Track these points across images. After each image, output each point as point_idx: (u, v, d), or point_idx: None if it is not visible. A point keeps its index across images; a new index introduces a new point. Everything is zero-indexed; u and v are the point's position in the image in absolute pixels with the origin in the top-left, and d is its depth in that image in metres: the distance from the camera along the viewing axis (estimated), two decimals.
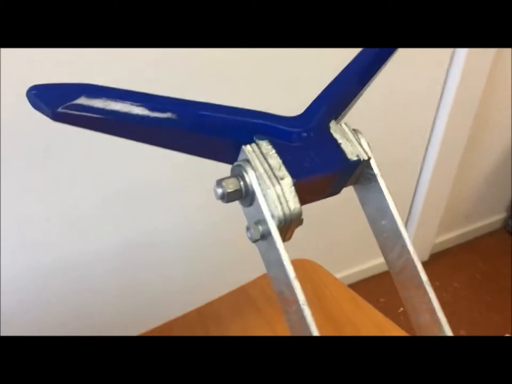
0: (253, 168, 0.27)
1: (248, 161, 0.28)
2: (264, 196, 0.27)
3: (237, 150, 0.29)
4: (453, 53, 1.00)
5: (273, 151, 0.28)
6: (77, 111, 0.26)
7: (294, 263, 0.26)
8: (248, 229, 0.28)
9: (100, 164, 0.76)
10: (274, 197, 0.27)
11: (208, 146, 0.30)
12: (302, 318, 0.26)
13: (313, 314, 0.26)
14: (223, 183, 0.27)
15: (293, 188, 0.27)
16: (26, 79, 0.60)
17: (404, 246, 0.29)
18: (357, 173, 0.30)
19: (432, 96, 1.06)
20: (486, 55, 1.03)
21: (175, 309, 0.53)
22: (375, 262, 1.33)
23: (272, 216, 0.27)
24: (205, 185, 0.68)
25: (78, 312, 0.89)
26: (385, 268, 1.19)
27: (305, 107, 0.31)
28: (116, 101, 0.26)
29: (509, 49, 1.07)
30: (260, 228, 0.27)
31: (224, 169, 0.30)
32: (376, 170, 0.30)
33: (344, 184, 0.31)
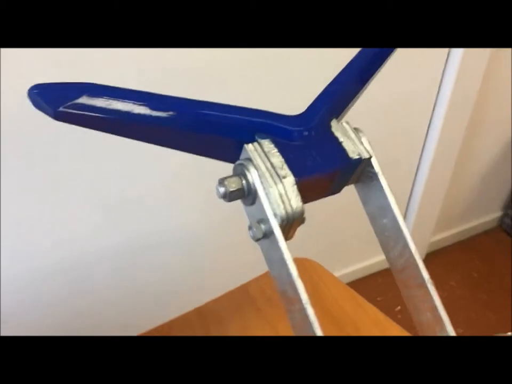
0: (255, 166, 0.27)
1: (250, 160, 0.28)
2: (267, 194, 0.27)
3: (239, 149, 0.29)
4: (449, 53, 1.01)
5: (275, 149, 0.28)
6: (79, 110, 0.26)
7: (294, 261, 0.26)
8: (250, 228, 0.28)
9: (100, 164, 0.76)
10: (277, 195, 0.27)
11: (209, 145, 0.30)
12: (305, 317, 0.26)
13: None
14: (225, 182, 0.27)
15: (295, 186, 0.27)
16: (26, 79, 0.61)
17: (405, 244, 0.29)
18: (358, 171, 0.30)
19: (428, 97, 1.07)
20: (482, 56, 1.03)
21: (175, 309, 0.53)
22: (371, 260, 1.33)
23: (275, 215, 0.27)
24: (205, 185, 0.69)
25: (77, 313, 0.89)
26: (382, 267, 1.20)
27: (306, 106, 0.31)
28: (117, 100, 0.26)
29: (504, 50, 1.08)
30: (262, 226, 0.27)
31: (224, 168, 0.30)
32: (377, 168, 0.30)
33: (346, 183, 0.31)
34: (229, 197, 0.27)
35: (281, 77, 0.83)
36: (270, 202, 0.27)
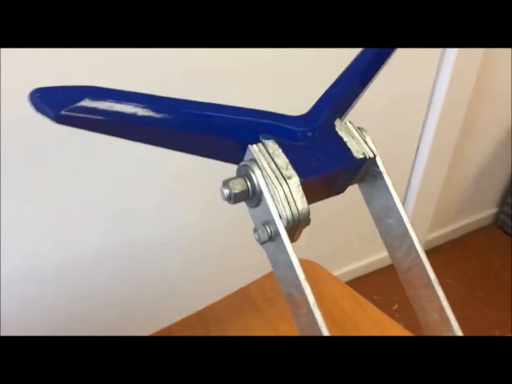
0: (259, 167, 0.27)
1: (254, 161, 0.27)
2: (272, 196, 0.27)
3: (243, 150, 0.28)
4: (443, 54, 1.01)
5: (280, 150, 0.28)
6: (81, 113, 0.25)
7: None
8: (255, 230, 0.27)
9: (100, 164, 0.75)
10: (282, 196, 0.27)
11: (213, 147, 0.29)
12: (313, 320, 0.26)
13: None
14: (230, 184, 0.27)
15: (300, 187, 0.27)
16: (26, 79, 0.60)
17: (412, 244, 0.29)
18: (362, 171, 0.30)
19: (423, 96, 1.07)
20: (475, 56, 1.04)
21: (176, 313, 0.53)
22: (369, 259, 1.34)
23: (280, 216, 0.27)
24: (206, 186, 0.69)
25: (77, 314, 0.88)
26: (379, 266, 1.21)
27: (308, 106, 0.31)
28: (120, 102, 0.26)
29: (497, 50, 1.08)
30: (268, 229, 0.27)
31: (225, 169, 0.30)
32: (382, 168, 0.30)
33: (350, 183, 0.31)
34: (234, 199, 0.27)
35: (282, 77, 0.83)
36: (275, 204, 0.27)
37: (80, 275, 0.85)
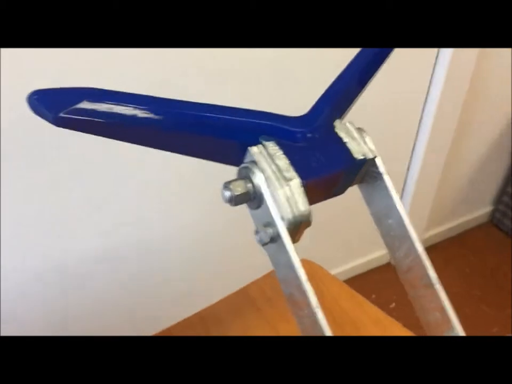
0: (260, 169, 0.27)
1: (255, 162, 0.27)
2: (273, 197, 0.27)
3: (243, 152, 0.28)
4: (437, 54, 1.01)
5: (281, 152, 0.28)
6: (80, 115, 0.25)
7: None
8: (257, 232, 0.27)
9: (100, 165, 0.75)
10: (284, 198, 0.27)
11: (212, 149, 0.29)
12: (315, 321, 0.26)
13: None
14: (231, 186, 0.27)
15: (301, 188, 0.27)
16: (26, 79, 0.60)
17: (412, 244, 0.29)
18: (362, 171, 0.30)
19: (418, 95, 1.08)
20: (470, 56, 1.04)
21: (175, 313, 0.52)
22: (366, 258, 1.34)
23: (282, 218, 0.27)
24: (206, 187, 0.68)
25: (77, 316, 0.88)
26: (375, 264, 1.21)
27: (306, 106, 0.31)
28: (119, 104, 0.26)
29: (492, 50, 1.09)
30: (269, 230, 0.27)
31: (225, 170, 0.30)
32: (382, 168, 0.30)
33: (350, 183, 0.31)
34: (235, 201, 0.27)
35: (282, 77, 0.84)
36: (276, 206, 0.27)
37: (80, 275, 0.84)
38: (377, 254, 1.35)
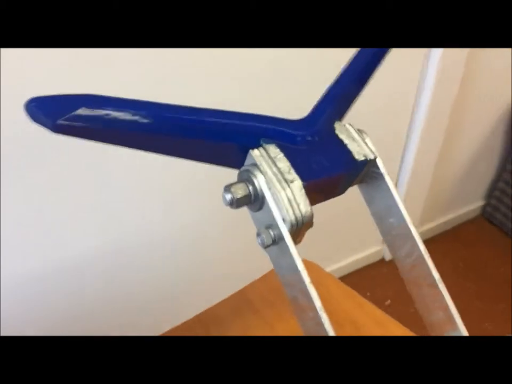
0: (261, 172, 0.27)
1: (256, 165, 0.27)
2: (275, 200, 0.27)
3: (243, 155, 0.28)
4: (428, 52, 1.02)
5: (281, 154, 0.28)
6: (78, 122, 0.25)
7: None
8: (258, 234, 0.27)
9: (100, 165, 0.75)
10: (285, 200, 0.26)
11: (213, 152, 0.29)
12: (319, 324, 0.26)
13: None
14: (232, 189, 0.27)
15: (303, 190, 0.27)
16: (26, 80, 0.60)
17: (414, 243, 0.29)
18: (362, 172, 0.30)
19: (410, 93, 1.08)
20: (460, 54, 1.05)
21: (175, 313, 0.52)
22: (360, 255, 1.34)
23: (284, 220, 0.26)
24: (206, 189, 0.68)
25: (77, 316, 0.88)
26: (368, 262, 1.21)
27: (307, 106, 0.31)
28: (118, 110, 0.26)
29: (482, 49, 1.10)
30: (271, 232, 0.27)
31: (224, 172, 0.30)
32: (382, 169, 0.30)
33: (350, 184, 0.31)
34: (236, 204, 0.27)
35: (282, 78, 0.84)
36: (278, 208, 0.26)
37: (80, 275, 0.84)
38: (370, 251, 1.36)
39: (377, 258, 1.38)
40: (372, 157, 0.29)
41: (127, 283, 0.91)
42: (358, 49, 0.33)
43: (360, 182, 0.32)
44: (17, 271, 0.77)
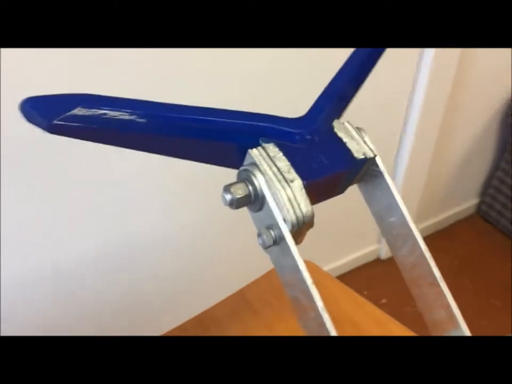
0: (261, 172, 0.27)
1: (255, 165, 0.27)
2: (275, 200, 0.26)
3: (242, 154, 0.28)
4: (422, 51, 1.02)
5: (281, 153, 0.27)
6: (74, 122, 0.24)
7: None
8: (259, 235, 0.27)
9: (100, 165, 0.75)
10: (286, 200, 0.26)
11: (211, 152, 0.29)
12: (322, 324, 0.25)
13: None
14: (231, 189, 0.27)
15: (303, 190, 0.27)
16: (27, 78, 0.60)
17: (415, 242, 0.29)
18: (362, 171, 0.30)
19: (403, 93, 1.08)
20: (453, 52, 1.05)
21: (175, 315, 0.52)
22: (355, 254, 1.34)
23: (285, 220, 0.26)
24: (206, 189, 0.68)
25: (77, 317, 0.88)
26: (364, 261, 1.21)
27: (306, 106, 0.31)
28: (114, 110, 0.25)
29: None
30: (272, 233, 0.27)
31: (221, 171, 0.29)
32: (382, 167, 0.29)
33: (350, 183, 0.31)
34: (236, 204, 0.27)
35: (282, 78, 0.84)
36: (279, 208, 0.26)
37: (80, 275, 0.84)
38: (366, 250, 1.36)
39: (372, 257, 1.38)
40: (371, 155, 0.29)
41: (126, 283, 0.91)
42: (354, 49, 0.33)
43: (359, 181, 0.31)
44: (17, 272, 0.77)
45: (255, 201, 0.27)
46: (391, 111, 1.10)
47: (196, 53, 0.71)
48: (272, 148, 0.27)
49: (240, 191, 0.27)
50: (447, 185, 1.42)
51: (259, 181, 0.26)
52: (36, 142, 0.65)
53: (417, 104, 1.09)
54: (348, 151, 0.29)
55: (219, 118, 0.27)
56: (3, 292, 0.76)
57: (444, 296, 0.28)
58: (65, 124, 0.24)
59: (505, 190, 1.39)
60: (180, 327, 0.49)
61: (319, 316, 0.25)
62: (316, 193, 0.28)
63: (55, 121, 0.24)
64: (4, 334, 0.75)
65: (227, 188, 0.27)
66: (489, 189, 1.45)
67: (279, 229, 0.26)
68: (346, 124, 0.30)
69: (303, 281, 0.26)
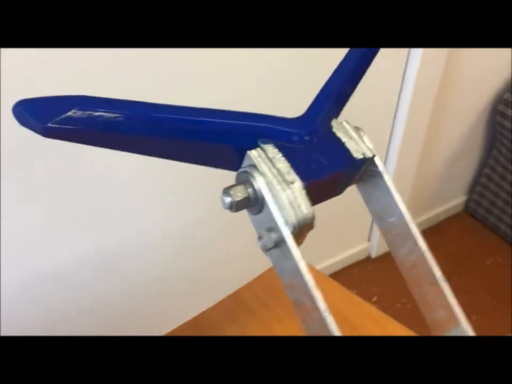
0: (261, 173, 0.26)
1: (255, 166, 0.26)
2: (276, 202, 0.26)
3: (240, 156, 0.27)
4: (409, 51, 1.03)
5: (280, 154, 0.27)
6: (70, 125, 0.24)
7: None
8: (260, 238, 0.27)
9: (100, 166, 0.75)
10: (286, 202, 0.26)
11: (209, 154, 0.28)
12: (325, 326, 0.25)
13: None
14: (231, 192, 0.26)
15: (304, 191, 0.26)
16: (27, 78, 0.60)
17: (415, 242, 0.29)
18: (361, 171, 0.30)
19: (392, 92, 1.09)
20: (440, 53, 1.06)
21: (175, 314, 0.52)
22: (346, 253, 1.35)
23: (286, 222, 0.26)
24: (206, 189, 0.68)
25: (77, 317, 0.87)
26: (353, 260, 1.22)
27: (301, 107, 0.30)
28: (110, 112, 0.25)
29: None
30: (273, 235, 0.26)
31: (222, 171, 0.29)
32: (381, 167, 0.29)
33: (349, 183, 0.30)
34: (236, 207, 0.26)
35: (282, 78, 0.84)
36: (279, 210, 0.26)
37: (79, 275, 0.84)
38: (356, 249, 1.36)
39: (363, 256, 1.39)
40: (370, 155, 0.29)
41: (126, 283, 0.91)
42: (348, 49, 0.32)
43: (358, 181, 0.31)
44: (17, 271, 0.77)
45: (254, 203, 0.27)
46: (379, 112, 1.11)
47: (196, 53, 0.71)
48: (271, 149, 0.27)
49: (239, 194, 0.26)
50: (435, 184, 1.43)
51: (259, 183, 0.26)
52: (36, 142, 0.64)
53: (405, 105, 1.10)
54: (346, 151, 0.28)
55: (216, 119, 0.27)
56: (3, 292, 0.76)
57: (445, 295, 0.28)
58: (60, 127, 0.24)
59: (492, 187, 1.41)
60: (177, 329, 0.48)
61: (322, 318, 0.25)
62: (315, 194, 0.28)
63: (49, 124, 0.24)
64: (3, 334, 0.74)
65: (226, 191, 0.26)
66: (476, 186, 1.47)
67: (280, 231, 0.26)
68: (344, 123, 0.30)
69: (305, 284, 0.25)
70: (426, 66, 1.04)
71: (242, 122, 0.28)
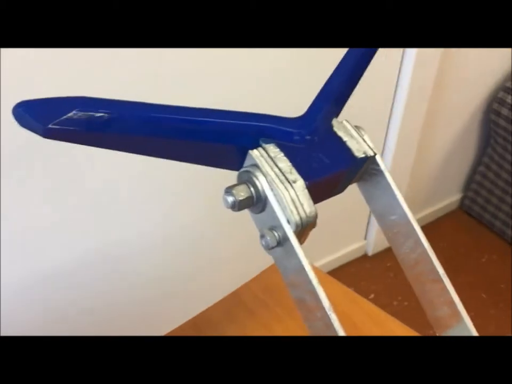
0: (263, 173, 0.26)
1: (257, 166, 0.26)
2: (278, 201, 0.26)
3: (242, 156, 0.27)
4: (404, 51, 1.03)
5: (282, 154, 0.27)
6: (70, 126, 0.24)
7: None
8: (262, 236, 0.27)
9: (100, 166, 0.75)
10: (289, 201, 0.26)
11: (210, 154, 0.28)
12: (329, 324, 0.25)
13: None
14: (233, 191, 0.26)
15: (306, 190, 0.26)
16: (27, 79, 0.60)
17: (417, 240, 0.29)
18: (362, 169, 0.30)
19: (387, 91, 1.09)
20: (435, 52, 1.06)
21: (175, 314, 0.52)
22: (342, 251, 1.35)
23: (288, 221, 0.26)
24: (206, 189, 0.68)
25: (77, 316, 0.87)
26: (349, 258, 1.22)
27: (300, 107, 0.31)
28: (111, 113, 0.25)
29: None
30: (276, 234, 0.26)
31: (222, 171, 0.29)
32: (382, 166, 0.29)
33: (350, 182, 0.30)
34: (238, 206, 0.26)
35: (282, 78, 0.84)
36: (282, 209, 0.26)
37: (79, 275, 0.84)
38: (353, 246, 1.37)
39: (360, 253, 1.39)
40: (371, 153, 0.29)
41: (127, 284, 0.91)
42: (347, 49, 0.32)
43: (358, 180, 0.31)
44: (17, 271, 0.77)
45: (257, 202, 0.27)
46: (374, 112, 1.11)
47: (196, 53, 0.71)
48: (273, 148, 0.27)
49: (242, 193, 0.26)
50: (430, 182, 1.43)
51: (261, 182, 0.26)
52: (36, 142, 0.64)
53: (400, 104, 1.11)
54: (348, 150, 0.29)
55: (218, 119, 0.27)
56: (3, 292, 0.76)
57: (447, 292, 0.28)
58: (61, 128, 0.24)
59: (487, 185, 1.42)
60: (177, 329, 0.48)
61: (326, 316, 0.25)
62: (317, 192, 0.28)
63: (50, 125, 0.23)
64: (3, 334, 0.74)
65: (229, 190, 0.26)
66: (471, 183, 1.47)
67: (283, 230, 0.26)
68: (345, 122, 0.30)
69: (309, 282, 0.25)
70: (420, 66, 1.05)
71: (243, 122, 0.28)
